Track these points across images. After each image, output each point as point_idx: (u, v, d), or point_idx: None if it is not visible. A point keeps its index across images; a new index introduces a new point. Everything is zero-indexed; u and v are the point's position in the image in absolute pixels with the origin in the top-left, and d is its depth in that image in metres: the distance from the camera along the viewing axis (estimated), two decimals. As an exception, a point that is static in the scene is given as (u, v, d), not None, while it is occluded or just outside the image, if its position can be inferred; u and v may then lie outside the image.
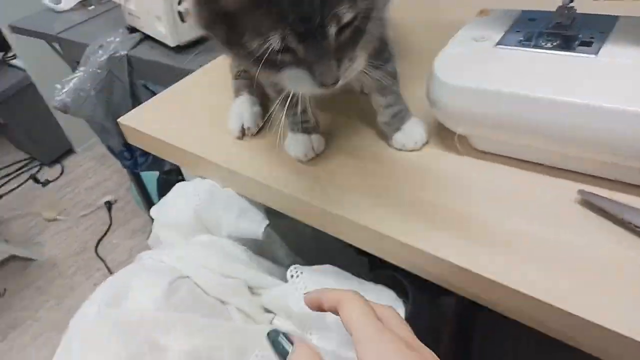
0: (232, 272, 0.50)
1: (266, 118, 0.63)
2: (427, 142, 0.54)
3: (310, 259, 0.56)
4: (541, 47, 0.48)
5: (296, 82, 0.40)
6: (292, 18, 0.34)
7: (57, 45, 1.38)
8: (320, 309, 0.37)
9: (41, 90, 2.15)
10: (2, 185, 2.35)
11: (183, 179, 0.67)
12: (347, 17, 0.35)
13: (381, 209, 0.48)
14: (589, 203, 0.44)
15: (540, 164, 0.48)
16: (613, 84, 0.42)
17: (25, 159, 2.48)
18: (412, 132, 0.54)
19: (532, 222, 0.43)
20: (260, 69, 0.38)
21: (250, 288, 0.52)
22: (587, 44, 0.47)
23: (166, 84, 0.76)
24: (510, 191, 0.47)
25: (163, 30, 1.02)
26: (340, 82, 0.39)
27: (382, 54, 0.51)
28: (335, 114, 0.62)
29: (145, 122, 0.68)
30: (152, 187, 1.56)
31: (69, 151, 2.46)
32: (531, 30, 0.50)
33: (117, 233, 1.99)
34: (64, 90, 1.11)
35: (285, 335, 0.35)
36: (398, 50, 0.53)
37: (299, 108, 0.54)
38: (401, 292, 0.84)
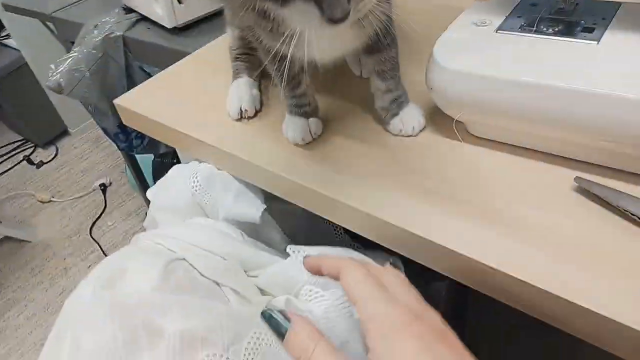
0: (228, 253, 0.50)
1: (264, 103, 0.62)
2: (424, 129, 0.54)
3: (305, 244, 0.56)
4: (542, 33, 0.48)
5: (302, 18, 0.38)
6: None
7: (51, 25, 1.36)
8: (319, 273, 0.37)
9: (35, 71, 2.13)
10: (-4, 166, 2.33)
11: (178, 162, 0.67)
12: None
13: (378, 193, 0.48)
14: (585, 190, 0.44)
15: (538, 151, 0.48)
16: (614, 71, 0.42)
17: (19, 140, 2.46)
18: (410, 118, 0.54)
19: (529, 209, 0.43)
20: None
21: (245, 272, 0.52)
22: (589, 30, 0.47)
23: (162, 66, 0.75)
24: (508, 178, 0.47)
25: (160, 11, 1.01)
26: (351, 17, 0.37)
27: (385, 38, 0.50)
28: (334, 98, 0.62)
29: (142, 103, 0.67)
30: (147, 170, 1.55)
31: (64, 133, 2.45)
32: (533, 15, 0.50)
33: (111, 215, 1.99)
34: (58, 71, 1.10)
35: (281, 312, 0.35)
36: (398, 35, 0.53)
37: (299, 90, 0.53)
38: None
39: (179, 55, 0.77)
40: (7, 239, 1.92)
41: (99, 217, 1.98)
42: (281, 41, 0.41)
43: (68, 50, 1.16)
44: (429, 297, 0.80)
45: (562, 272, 0.38)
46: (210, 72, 0.71)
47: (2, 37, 2.24)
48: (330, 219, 0.52)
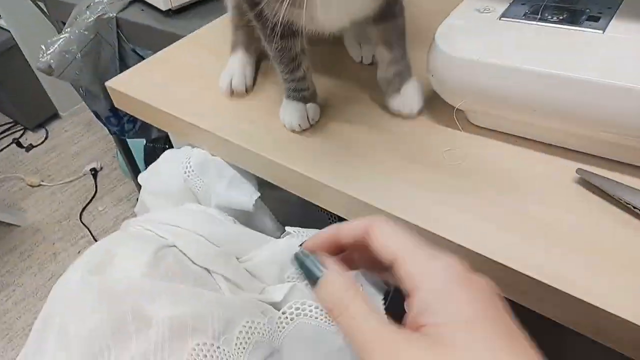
0: (219, 239, 0.49)
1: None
2: (422, 109, 0.53)
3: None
4: (547, 21, 0.47)
5: None
6: None
7: (42, 5, 1.33)
8: (337, 248, 0.33)
9: (25, 52, 2.09)
10: (-16, 149, 2.30)
11: (171, 147, 0.65)
12: None
13: (376, 182, 0.47)
14: (587, 182, 0.43)
15: (540, 142, 0.47)
16: (620, 61, 0.41)
17: (8, 123, 2.42)
18: (410, 97, 0.53)
19: (530, 200, 0.43)
20: None
21: (237, 258, 0.51)
22: (595, 19, 0.46)
23: (156, 49, 0.73)
24: (508, 168, 0.46)
25: (154, -8, 0.99)
26: None
27: (393, 7, 0.50)
28: (332, 84, 0.60)
29: (134, 86, 0.65)
30: (138, 155, 1.53)
31: (54, 116, 2.41)
32: (537, 3, 0.49)
33: (102, 200, 1.97)
34: (49, 52, 1.07)
35: (315, 258, 0.31)
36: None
37: (298, 73, 0.52)
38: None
39: (172, 38, 0.76)
40: (-4, 222, 1.90)
41: (89, 202, 1.96)
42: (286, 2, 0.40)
43: (59, 31, 1.14)
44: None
45: (562, 265, 0.37)
46: (204, 56, 0.70)
47: (-9, 17, 2.20)
48: (325, 208, 0.51)
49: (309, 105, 0.54)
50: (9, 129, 2.40)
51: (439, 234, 0.41)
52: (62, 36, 1.09)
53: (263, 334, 0.41)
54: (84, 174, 2.08)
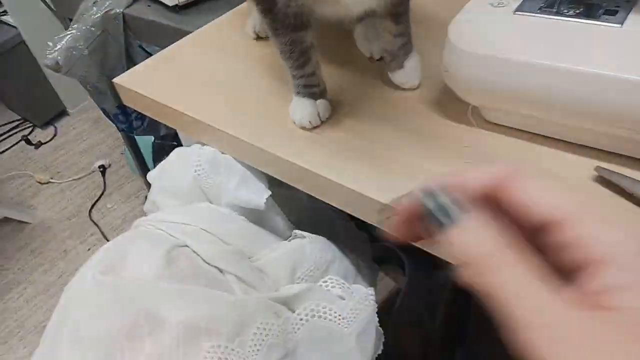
0: (231, 238, 0.49)
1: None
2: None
3: (309, 231, 0.55)
4: (563, 15, 0.46)
5: None
6: None
7: (49, 1, 1.33)
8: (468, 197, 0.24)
9: (33, 49, 2.09)
10: (-6, 146, 2.31)
11: (179, 145, 0.65)
12: None
13: (388, 180, 0.46)
14: (605, 180, 0.42)
15: (557, 139, 0.47)
16: (638, 56, 0.40)
17: (17, 120, 2.43)
18: (412, 72, 0.56)
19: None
20: None
21: (248, 258, 0.50)
22: (612, 12, 0.45)
23: (163, 45, 0.73)
24: (524, 165, 0.45)
25: (161, -12, 0.98)
26: None
27: None
28: (342, 80, 0.60)
29: (142, 82, 0.65)
30: (146, 152, 1.53)
31: (62, 113, 2.41)
32: (552, -4, 0.48)
33: (111, 197, 1.97)
34: (56, 49, 1.07)
35: (451, 197, 0.24)
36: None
37: (308, 68, 0.51)
38: (399, 266, 0.83)
39: (180, 34, 0.75)
40: (7, 220, 1.90)
41: (98, 199, 1.96)
42: None
43: (66, 28, 1.13)
44: (434, 285, 0.78)
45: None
46: (213, 52, 0.69)
47: (-1, 13, 2.20)
48: (336, 206, 0.50)
49: (319, 101, 0.53)
50: (17, 126, 2.41)
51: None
52: (69, 32, 1.09)
53: (277, 336, 0.41)
54: (93, 171, 2.08)
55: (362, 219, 0.49)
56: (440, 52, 0.49)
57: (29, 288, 1.69)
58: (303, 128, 0.53)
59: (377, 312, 0.48)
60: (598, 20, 0.44)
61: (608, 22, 0.44)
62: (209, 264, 0.44)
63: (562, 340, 0.19)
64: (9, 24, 2.13)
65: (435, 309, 0.80)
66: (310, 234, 0.49)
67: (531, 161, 0.46)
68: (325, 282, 0.46)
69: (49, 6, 1.39)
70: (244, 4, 0.77)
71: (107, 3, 1.06)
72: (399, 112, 0.54)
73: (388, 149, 0.49)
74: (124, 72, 0.68)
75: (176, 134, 1.23)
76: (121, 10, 1.05)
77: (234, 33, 0.72)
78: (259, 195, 0.54)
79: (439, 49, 0.49)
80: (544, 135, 0.47)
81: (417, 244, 0.44)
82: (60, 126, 2.37)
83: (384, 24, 0.54)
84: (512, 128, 0.48)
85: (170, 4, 0.99)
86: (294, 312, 0.44)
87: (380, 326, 0.48)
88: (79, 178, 2.07)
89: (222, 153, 0.58)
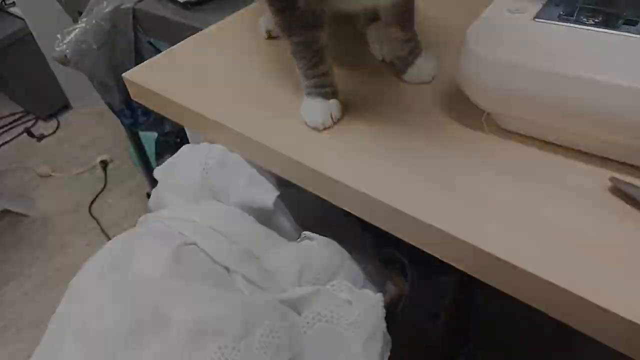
0: (239, 237, 0.48)
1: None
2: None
3: (316, 233, 0.54)
4: (582, 24, 0.45)
5: None
6: None
7: (58, -6, 1.32)
8: None
9: (39, 42, 2.08)
10: (-4, 137, 2.30)
11: (182, 142, 0.65)
12: None
13: (398, 184, 0.45)
14: (621, 191, 0.42)
15: (572, 148, 0.46)
16: (659, 68, 0.40)
17: (20, 112, 2.43)
18: (426, 65, 0.56)
19: (560, 208, 0.41)
20: None
21: (256, 257, 0.50)
22: (632, 23, 0.44)
23: (173, 42, 0.72)
24: (538, 174, 0.45)
25: (172, -16, 0.98)
26: None
27: None
28: (353, 82, 0.59)
29: (152, 78, 0.64)
30: (149, 148, 1.52)
31: (66, 107, 2.41)
32: (572, 4, 0.47)
33: (111, 193, 1.96)
34: (65, 42, 1.06)
35: None
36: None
37: (321, 68, 0.51)
38: (401, 271, 0.82)
39: (190, 31, 0.75)
40: (6, 212, 1.90)
41: (98, 194, 1.96)
42: None
43: (75, 21, 1.13)
44: (436, 290, 0.78)
45: (593, 275, 0.36)
46: (224, 50, 0.69)
47: (7, 4, 2.19)
48: (346, 209, 0.50)
49: (331, 101, 0.53)
50: (20, 118, 2.41)
51: (462, 238, 0.40)
52: (78, 26, 1.08)
53: (283, 338, 0.40)
54: (94, 166, 2.07)
55: (371, 222, 0.48)
56: (453, 57, 0.48)
57: (26, 281, 1.68)
58: (315, 129, 0.52)
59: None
60: (618, 30, 0.44)
61: (628, 32, 0.43)
62: (217, 263, 0.43)
63: None
64: (16, 16, 2.13)
65: (437, 313, 0.79)
66: (319, 236, 0.49)
67: (545, 170, 0.45)
68: (333, 285, 0.46)
69: (57, -1, 1.39)
70: (255, 2, 0.77)
71: (118, -3, 1.06)
72: (411, 114, 0.53)
73: (399, 151, 0.49)
74: (131, 67, 0.68)
75: (180, 131, 1.22)
76: (131, 5, 1.05)
77: (245, 31, 0.72)
78: (268, 195, 0.54)
79: (451, 54, 0.48)
80: (558, 144, 0.47)
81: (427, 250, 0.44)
82: (63, 120, 2.37)
83: (391, 31, 0.55)
84: (526, 136, 0.48)
85: (181, 0, 0.98)
86: (300, 314, 0.44)
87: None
88: (80, 172, 2.07)
89: (231, 152, 0.57)
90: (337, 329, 0.43)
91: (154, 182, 0.61)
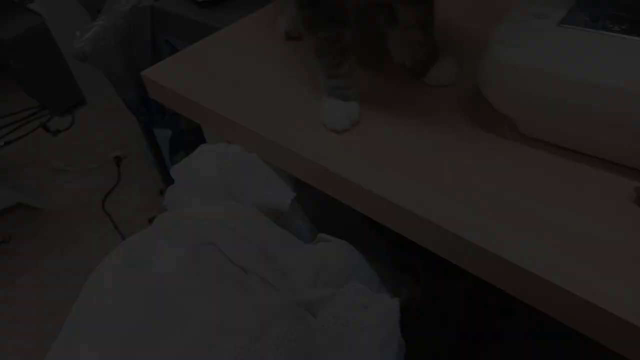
0: (255, 238, 0.48)
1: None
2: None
3: (331, 235, 0.54)
4: (608, 30, 0.45)
5: None
6: None
7: (77, -9, 1.33)
8: None
9: (57, 38, 2.11)
10: (12, 131, 2.33)
11: (197, 140, 0.65)
12: None
13: (416, 188, 0.45)
14: (645, 202, 0.41)
15: (595, 157, 0.45)
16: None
17: (36, 107, 2.45)
18: (446, 68, 0.56)
19: (581, 217, 0.41)
20: None
21: (272, 258, 0.50)
22: (660, 30, 0.43)
23: (191, 41, 0.73)
24: (560, 182, 0.44)
25: (190, -17, 0.98)
26: None
27: None
28: (372, 85, 0.59)
29: (171, 77, 0.65)
30: (163, 145, 1.53)
31: (81, 102, 2.43)
32: (598, 10, 0.47)
33: (124, 189, 1.98)
34: (84, 38, 1.07)
35: None
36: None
37: (345, 67, 0.50)
38: (413, 275, 0.82)
39: (207, 31, 0.75)
40: (20, 205, 1.92)
41: (112, 189, 1.97)
42: None
43: (93, 18, 1.14)
44: (449, 296, 0.77)
45: (612, 286, 0.35)
46: (242, 49, 0.69)
47: (26, 1, 2.22)
48: (362, 212, 0.49)
49: (350, 103, 0.52)
50: (36, 112, 2.43)
51: (482, 245, 0.39)
52: (96, 23, 1.09)
53: (299, 341, 0.40)
54: (108, 162, 2.09)
55: (388, 226, 0.48)
56: (472, 60, 0.48)
57: (38, 274, 1.70)
58: (333, 130, 0.52)
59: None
60: (646, 38, 0.43)
61: (656, 39, 0.43)
62: (234, 263, 0.43)
63: None
64: (34, 12, 2.15)
65: (449, 317, 0.79)
66: (335, 239, 0.48)
67: (567, 178, 0.44)
68: (349, 288, 0.46)
69: (76, -4, 1.40)
70: (272, 2, 0.77)
71: (137, -5, 1.06)
72: (431, 119, 0.53)
73: (418, 155, 0.48)
74: (148, 65, 0.68)
75: (195, 130, 1.22)
76: (150, 3, 1.06)
77: (263, 31, 0.72)
78: (284, 196, 0.54)
79: (471, 56, 0.48)
80: (582, 152, 0.46)
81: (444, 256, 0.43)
82: (78, 115, 2.39)
83: (412, 34, 0.55)
84: (549, 143, 0.47)
85: (199, -1, 0.99)
86: (316, 316, 0.43)
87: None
88: (94, 168, 2.08)
89: (248, 152, 0.57)
90: (353, 333, 0.43)
91: (167, 179, 0.61)
